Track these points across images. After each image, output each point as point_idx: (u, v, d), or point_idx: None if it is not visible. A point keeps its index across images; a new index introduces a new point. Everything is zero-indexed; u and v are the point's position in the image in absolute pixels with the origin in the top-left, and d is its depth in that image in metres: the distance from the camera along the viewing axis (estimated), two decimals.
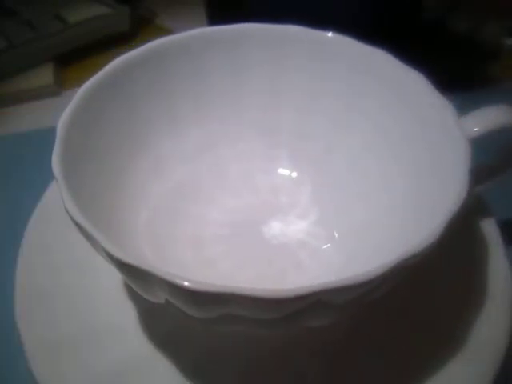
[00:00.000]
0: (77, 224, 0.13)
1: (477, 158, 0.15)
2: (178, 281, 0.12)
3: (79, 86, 0.17)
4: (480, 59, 0.32)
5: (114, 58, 0.18)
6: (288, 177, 0.22)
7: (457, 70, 0.29)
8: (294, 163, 0.22)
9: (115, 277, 0.18)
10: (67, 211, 0.13)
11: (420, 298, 0.17)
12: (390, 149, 0.19)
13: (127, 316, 0.17)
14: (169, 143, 0.21)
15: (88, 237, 0.13)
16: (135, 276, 0.13)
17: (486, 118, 0.16)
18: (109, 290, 0.18)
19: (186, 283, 0.12)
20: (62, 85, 0.33)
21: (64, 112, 0.16)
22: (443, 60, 0.29)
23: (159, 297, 0.13)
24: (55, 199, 0.19)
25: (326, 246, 0.19)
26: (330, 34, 0.19)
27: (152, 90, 0.20)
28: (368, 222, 0.19)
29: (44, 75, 0.32)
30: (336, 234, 0.20)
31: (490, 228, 0.19)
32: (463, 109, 0.17)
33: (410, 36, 0.27)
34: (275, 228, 0.20)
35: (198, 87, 0.21)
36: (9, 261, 0.18)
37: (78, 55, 0.34)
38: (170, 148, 0.21)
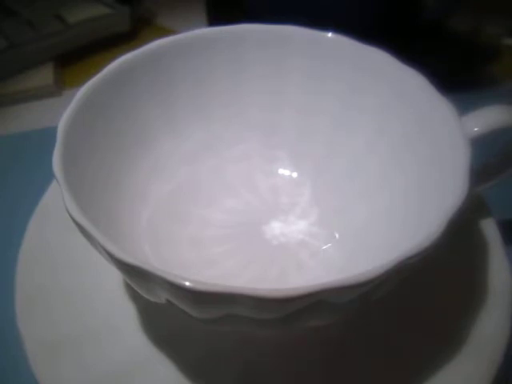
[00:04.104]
0: (77, 224, 0.13)
1: (477, 158, 0.15)
2: (179, 281, 0.12)
3: (79, 86, 0.17)
4: (480, 59, 0.32)
5: (114, 58, 0.18)
6: (288, 177, 0.22)
7: (457, 70, 0.29)
8: (295, 163, 0.22)
9: (115, 277, 0.18)
10: (68, 211, 0.13)
11: (420, 297, 0.17)
12: (390, 149, 0.19)
13: (127, 316, 0.17)
14: (169, 143, 0.21)
15: (88, 237, 0.13)
16: (136, 276, 0.13)
17: (486, 118, 0.16)
18: (109, 290, 0.18)
19: (187, 283, 0.12)
20: (62, 85, 0.33)
21: (64, 112, 0.16)
22: (443, 60, 0.29)
23: (160, 297, 0.13)
24: (55, 199, 0.19)
25: (326, 246, 0.19)
26: (329, 34, 0.19)
27: (152, 90, 0.20)
28: (368, 221, 0.19)
29: (44, 75, 0.32)
30: (336, 234, 0.20)
31: (490, 228, 0.19)
32: (463, 109, 0.17)
33: (410, 36, 0.27)
34: (276, 228, 0.20)
35: (198, 87, 0.21)
36: (9, 261, 0.18)
37: (78, 55, 0.34)
38: (170, 148, 0.21)
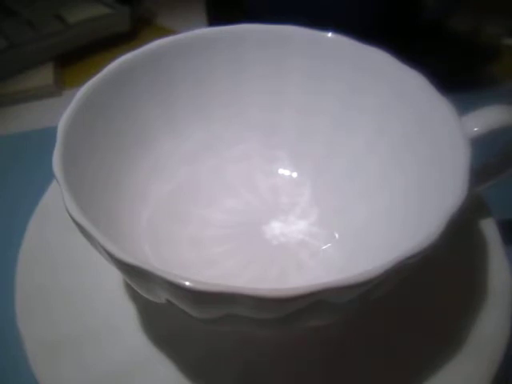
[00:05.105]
0: (77, 224, 0.13)
1: (477, 158, 0.15)
2: (179, 281, 0.12)
3: (79, 86, 0.17)
4: (480, 59, 0.32)
5: (114, 58, 0.18)
6: (288, 177, 0.22)
7: (457, 70, 0.29)
8: (295, 163, 0.22)
9: (115, 277, 0.18)
10: (68, 211, 0.13)
11: (420, 297, 0.17)
12: (390, 149, 0.19)
13: (127, 316, 0.17)
14: (169, 143, 0.21)
15: (88, 237, 0.13)
16: (136, 276, 0.13)
17: (485, 118, 0.16)
18: (109, 290, 0.18)
19: (187, 283, 0.12)
20: (62, 85, 0.33)
21: (64, 112, 0.16)
22: (443, 60, 0.29)
23: (160, 297, 0.13)
24: (55, 199, 0.19)
25: (326, 246, 0.19)
26: (329, 34, 0.19)
27: (152, 90, 0.20)
28: (368, 221, 0.19)
29: (44, 75, 0.32)
30: (336, 234, 0.20)
31: (489, 228, 0.19)
32: (463, 109, 0.17)
33: (410, 36, 0.27)
34: (276, 228, 0.20)
35: (198, 88, 0.21)
36: (9, 261, 0.18)
37: (78, 55, 0.34)
38: (170, 148, 0.21)
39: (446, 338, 0.16)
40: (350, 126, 0.20)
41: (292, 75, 0.20)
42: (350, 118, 0.20)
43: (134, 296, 0.18)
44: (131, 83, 0.19)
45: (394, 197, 0.18)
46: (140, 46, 0.19)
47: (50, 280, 0.18)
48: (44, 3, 0.36)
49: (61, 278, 0.18)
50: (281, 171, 0.22)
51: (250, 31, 0.20)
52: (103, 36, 0.35)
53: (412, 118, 0.18)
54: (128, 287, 0.18)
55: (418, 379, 0.15)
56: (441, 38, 0.30)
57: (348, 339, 0.17)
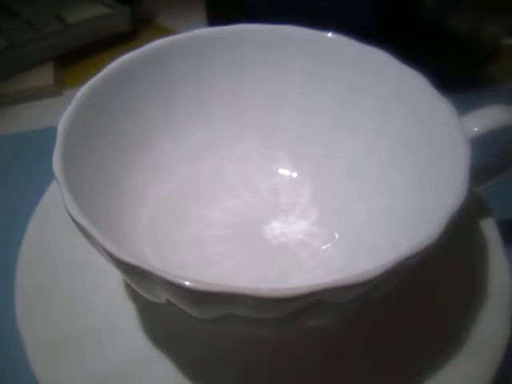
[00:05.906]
0: (77, 224, 0.13)
1: (477, 158, 0.15)
2: (179, 281, 0.12)
3: (79, 86, 0.17)
4: (480, 59, 0.32)
5: (114, 58, 0.18)
6: (288, 177, 0.22)
7: (457, 70, 0.29)
8: (295, 163, 0.22)
9: (115, 277, 0.18)
10: (68, 211, 0.13)
11: (420, 297, 0.17)
12: (390, 149, 0.19)
13: (127, 316, 0.17)
14: (169, 143, 0.21)
15: (88, 237, 0.13)
16: (136, 276, 0.13)
17: (485, 118, 0.16)
18: (109, 290, 0.18)
19: (187, 283, 0.12)
20: (62, 85, 0.33)
21: (64, 112, 0.16)
22: (443, 60, 0.29)
23: (160, 297, 0.13)
24: (55, 199, 0.19)
25: (326, 246, 0.19)
26: (329, 34, 0.19)
27: (152, 90, 0.20)
28: (368, 221, 0.19)
29: (44, 75, 0.32)
30: (336, 234, 0.20)
31: (489, 228, 0.19)
32: (463, 109, 0.17)
33: (410, 36, 0.27)
34: (276, 228, 0.20)
35: (198, 88, 0.21)
36: (9, 261, 0.18)
37: (78, 55, 0.34)
38: (170, 148, 0.21)
39: (446, 338, 0.16)
40: (350, 125, 0.20)
41: (292, 75, 0.20)
42: (350, 118, 0.20)
43: (134, 296, 0.18)
44: (131, 83, 0.19)
45: (394, 197, 0.18)
46: (140, 46, 0.19)
47: (50, 280, 0.18)
48: (44, 3, 0.36)
49: (61, 278, 0.18)
50: (281, 171, 0.22)
51: (250, 31, 0.20)
52: (103, 36, 0.35)
53: (412, 118, 0.18)
54: (128, 287, 0.18)
55: (418, 379, 0.15)
56: (441, 38, 0.30)
57: (348, 339, 0.17)
